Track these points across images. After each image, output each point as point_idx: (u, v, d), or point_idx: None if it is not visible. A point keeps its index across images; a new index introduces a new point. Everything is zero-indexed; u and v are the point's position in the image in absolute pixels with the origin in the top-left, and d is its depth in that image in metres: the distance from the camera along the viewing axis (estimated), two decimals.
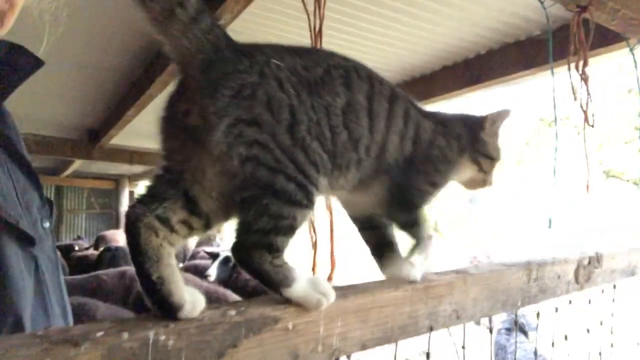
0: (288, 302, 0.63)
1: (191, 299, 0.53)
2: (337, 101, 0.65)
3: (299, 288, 0.60)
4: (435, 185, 0.78)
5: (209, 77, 0.58)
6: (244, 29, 2.46)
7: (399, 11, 2.31)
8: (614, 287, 1.50)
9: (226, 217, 0.63)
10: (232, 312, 0.57)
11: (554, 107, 1.57)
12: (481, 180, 0.84)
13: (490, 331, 1.40)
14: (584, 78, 1.41)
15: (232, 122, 0.57)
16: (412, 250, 0.75)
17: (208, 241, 5.93)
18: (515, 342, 2.50)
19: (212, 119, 0.57)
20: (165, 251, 0.56)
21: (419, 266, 0.74)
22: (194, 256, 5.46)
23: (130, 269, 4.41)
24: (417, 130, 0.76)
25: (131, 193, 11.16)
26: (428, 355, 0.89)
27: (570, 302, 1.32)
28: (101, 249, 5.40)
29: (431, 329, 0.78)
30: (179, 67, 0.60)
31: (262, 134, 0.58)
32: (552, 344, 1.15)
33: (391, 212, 0.76)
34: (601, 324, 1.45)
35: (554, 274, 1.00)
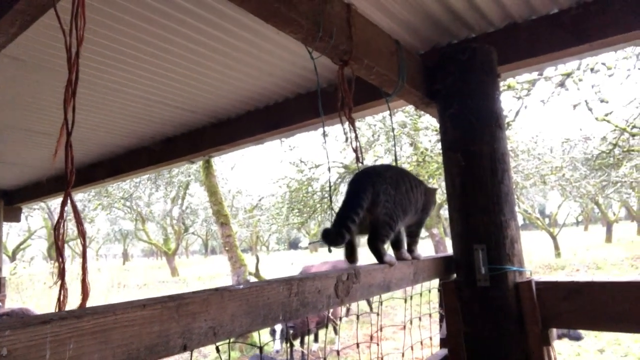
0: (4, 326, 0.57)
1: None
2: (403, 189, 1.65)
3: (387, 257, 1.54)
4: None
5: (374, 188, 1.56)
6: (27, 56, 2.24)
7: (203, 56, 2.38)
8: (381, 303, 1.71)
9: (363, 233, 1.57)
10: None
11: (327, 154, 1.80)
12: None
13: None
14: (351, 122, 1.63)
15: (382, 201, 1.53)
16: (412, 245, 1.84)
17: None
18: None
19: (378, 201, 1.53)
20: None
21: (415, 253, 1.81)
22: None
23: None
24: (422, 193, 1.80)
25: None
26: None
27: (340, 318, 1.45)
28: None
29: (185, 347, 0.78)
30: None
31: (388, 204, 1.54)
32: None
33: (413, 229, 1.85)
34: (371, 339, 1.63)
35: (315, 288, 1.10)
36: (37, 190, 5.32)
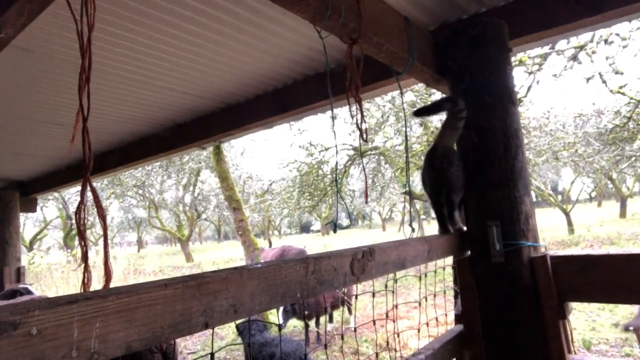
0: (33, 306, 0.59)
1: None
2: (463, 165, 1.97)
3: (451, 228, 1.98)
4: None
5: (447, 156, 1.90)
6: (36, 47, 2.25)
7: (208, 39, 2.37)
8: (395, 281, 1.72)
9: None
10: None
11: (334, 135, 1.80)
12: None
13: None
14: (357, 100, 1.62)
15: (454, 164, 1.90)
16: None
17: None
18: None
19: (450, 164, 1.88)
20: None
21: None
22: None
23: None
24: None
25: None
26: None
27: (356, 296, 1.47)
28: None
29: (207, 325, 0.80)
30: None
31: (459, 168, 1.93)
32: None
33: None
34: (387, 315, 1.65)
35: (331, 266, 1.11)
36: (51, 180, 5.39)
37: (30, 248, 25.46)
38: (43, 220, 29.39)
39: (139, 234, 43.07)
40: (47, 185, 5.51)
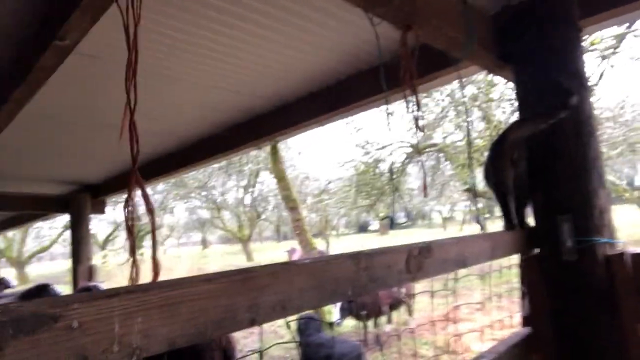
0: (73, 299, 0.57)
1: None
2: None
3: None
4: None
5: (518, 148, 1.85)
6: (99, 52, 2.35)
7: (263, 38, 2.37)
8: (456, 281, 1.63)
9: None
10: None
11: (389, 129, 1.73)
12: None
13: None
14: (413, 89, 1.54)
15: (524, 157, 1.84)
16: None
17: None
18: None
19: (521, 156, 1.80)
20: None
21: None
22: None
23: None
24: None
25: None
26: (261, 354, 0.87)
27: (414, 295, 1.39)
28: None
29: (253, 322, 0.76)
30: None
31: (525, 163, 1.83)
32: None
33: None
34: (447, 317, 1.55)
35: (384, 263, 1.04)
36: (119, 182, 5.66)
37: (103, 247, 27.04)
38: (114, 221, 31.12)
39: (203, 234, 44.57)
40: (115, 187, 5.80)
